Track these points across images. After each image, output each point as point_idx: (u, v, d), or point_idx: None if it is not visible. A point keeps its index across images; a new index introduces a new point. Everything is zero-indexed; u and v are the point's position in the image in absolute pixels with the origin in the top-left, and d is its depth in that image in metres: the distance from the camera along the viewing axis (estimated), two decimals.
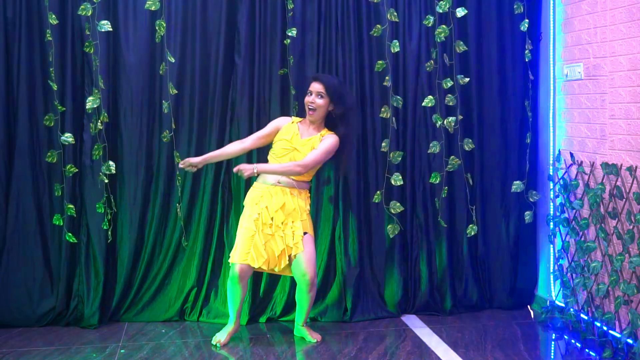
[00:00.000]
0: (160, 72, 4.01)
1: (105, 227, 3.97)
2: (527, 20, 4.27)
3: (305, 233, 3.73)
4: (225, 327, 3.81)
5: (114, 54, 4.00)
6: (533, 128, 4.39)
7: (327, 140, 3.74)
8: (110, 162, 3.97)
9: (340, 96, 3.76)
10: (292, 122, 3.82)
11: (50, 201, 3.99)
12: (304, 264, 3.69)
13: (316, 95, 3.73)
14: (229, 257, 3.80)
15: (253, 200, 3.73)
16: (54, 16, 3.85)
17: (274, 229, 3.67)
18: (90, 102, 3.90)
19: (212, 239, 4.15)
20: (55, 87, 3.90)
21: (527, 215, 4.35)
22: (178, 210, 4.08)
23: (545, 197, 4.36)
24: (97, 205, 3.96)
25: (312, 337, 3.83)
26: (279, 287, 4.21)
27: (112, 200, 4.02)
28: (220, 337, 3.74)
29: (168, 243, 4.14)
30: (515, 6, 4.31)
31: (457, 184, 4.33)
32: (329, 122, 3.84)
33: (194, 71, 4.06)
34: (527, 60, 4.32)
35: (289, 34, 4.08)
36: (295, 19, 4.10)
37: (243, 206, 3.83)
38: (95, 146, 3.94)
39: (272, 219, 3.67)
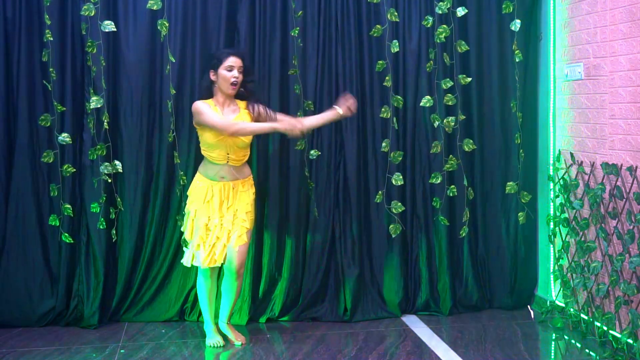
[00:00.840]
0: (167, 71, 4.01)
1: (102, 227, 3.97)
2: (517, 21, 4.26)
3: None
4: (208, 331, 3.79)
5: (114, 53, 4.01)
6: (530, 128, 4.38)
7: (264, 107, 3.78)
8: (117, 162, 3.98)
9: (252, 68, 3.80)
10: (210, 108, 3.65)
11: (50, 201, 3.99)
12: (235, 253, 3.67)
13: (238, 70, 3.66)
14: (183, 261, 3.82)
15: (197, 196, 3.69)
16: (47, 16, 3.85)
17: (213, 226, 3.66)
18: (94, 102, 3.90)
19: None
20: (50, 87, 3.90)
21: (521, 217, 4.35)
22: (182, 205, 4.08)
23: (546, 198, 4.36)
24: (92, 205, 3.96)
25: (237, 340, 3.78)
26: (278, 287, 4.21)
27: (119, 199, 4.03)
28: (218, 339, 3.74)
29: (168, 243, 4.14)
30: (503, 5, 4.30)
31: (458, 184, 4.33)
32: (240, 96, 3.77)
33: (194, 71, 4.06)
34: (517, 60, 4.30)
35: (293, 34, 4.08)
36: (296, 19, 4.10)
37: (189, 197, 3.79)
38: (99, 145, 3.94)
39: (208, 218, 3.66)
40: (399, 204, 4.25)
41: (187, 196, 4.07)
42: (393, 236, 4.25)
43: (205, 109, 3.61)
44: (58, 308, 4.00)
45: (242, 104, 3.75)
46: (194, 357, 3.59)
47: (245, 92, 3.75)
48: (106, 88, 3.95)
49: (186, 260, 3.78)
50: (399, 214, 4.26)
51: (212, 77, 3.69)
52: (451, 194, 4.29)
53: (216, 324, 3.84)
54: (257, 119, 3.73)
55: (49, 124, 3.93)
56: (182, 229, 3.85)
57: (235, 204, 3.69)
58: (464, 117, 4.29)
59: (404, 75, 4.27)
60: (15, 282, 3.96)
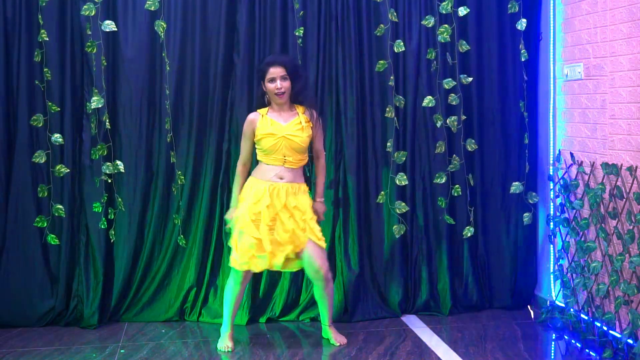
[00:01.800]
0: (166, 71, 4.00)
1: (103, 227, 3.97)
2: (523, 20, 4.26)
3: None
4: (223, 334, 3.75)
5: (114, 53, 4.01)
6: (531, 128, 4.38)
7: (319, 120, 3.76)
8: (118, 162, 3.98)
9: (298, 70, 3.74)
10: (262, 116, 3.66)
11: (49, 201, 3.99)
12: (316, 259, 3.63)
13: (281, 80, 3.64)
14: (229, 260, 3.75)
15: (255, 197, 3.60)
16: (40, 16, 3.85)
17: (277, 228, 3.58)
18: (95, 102, 3.90)
19: (211, 239, 4.15)
20: (42, 87, 3.90)
21: (526, 217, 4.34)
22: (180, 205, 4.08)
23: (546, 198, 4.36)
24: (94, 205, 3.96)
25: (336, 341, 3.78)
26: (278, 287, 4.21)
27: (119, 199, 4.03)
28: (228, 344, 3.69)
29: (167, 243, 4.14)
30: (509, 5, 4.30)
31: (459, 184, 4.32)
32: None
33: (194, 71, 4.06)
34: (523, 60, 4.30)
35: (297, 33, 4.08)
36: (296, 19, 4.10)
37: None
38: (99, 146, 3.94)
39: (273, 218, 3.58)
40: (403, 204, 4.24)
41: (186, 197, 4.09)
42: (397, 236, 4.25)
43: (246, 130, 3.69)
44: (58, 308, 4.00)
45: (300, 108, 3.73)
46: (194, 357, 3.59)
47: (298, 97, 3.72)
48: (106, 88, 3.95)
49: (234, 263, 3.64)
50: (401, 214, 4.25)
51: (264, 88, 3.69)
52: (456, 194, 4.28)
53: (232, 328, 3.77)
54: (313, 125, 3.72)
55: (41, 124, 3.92)
56: (228, 228, 3.75)
57: (293, 206, 3.62)
58: (465, 117, 4.29)
59: (405, 75, 4.27)
60: (15, 282, 3.96)
